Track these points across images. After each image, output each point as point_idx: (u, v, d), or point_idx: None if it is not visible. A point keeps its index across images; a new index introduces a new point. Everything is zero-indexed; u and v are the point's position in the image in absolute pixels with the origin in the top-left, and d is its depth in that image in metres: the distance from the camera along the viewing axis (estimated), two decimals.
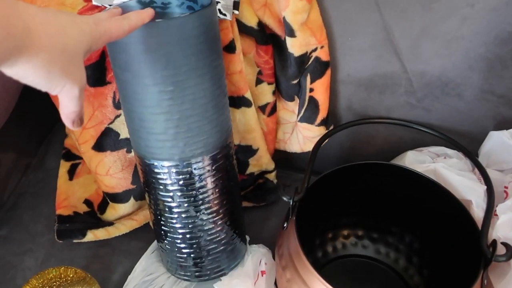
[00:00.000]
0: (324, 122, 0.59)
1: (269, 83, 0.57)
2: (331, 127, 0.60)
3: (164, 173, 0.47)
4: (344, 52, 0.56)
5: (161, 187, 0.49)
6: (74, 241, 0.58)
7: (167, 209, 0.50)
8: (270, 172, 0.63)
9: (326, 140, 0.58)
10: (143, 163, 0.48)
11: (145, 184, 0.51)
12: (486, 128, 0.56)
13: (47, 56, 0.27)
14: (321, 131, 0.59)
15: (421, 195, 0.54)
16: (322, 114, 0.58)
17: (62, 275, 0.56)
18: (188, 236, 0.51)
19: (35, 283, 0.55)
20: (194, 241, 0.52)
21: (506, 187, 0.50)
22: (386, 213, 0.60)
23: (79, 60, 0.29)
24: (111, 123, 0.55)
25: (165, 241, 0.54)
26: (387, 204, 0.58)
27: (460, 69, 0.54)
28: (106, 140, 0.56)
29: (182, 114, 0.44)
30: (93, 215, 0.61)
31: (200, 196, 0.49)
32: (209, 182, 0.49)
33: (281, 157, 0.66)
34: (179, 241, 0.52)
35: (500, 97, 0.54)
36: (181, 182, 0.48)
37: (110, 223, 0.59)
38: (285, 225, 0.50)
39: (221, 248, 0.54)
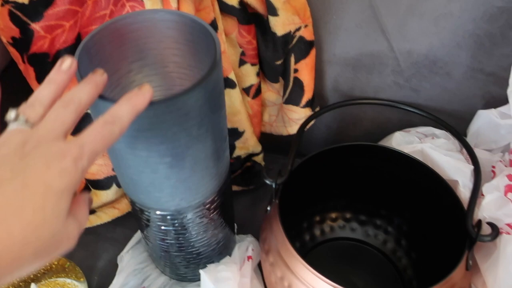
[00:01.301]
0: (309, 104, 0.57)
1: (252, 64, 0.55)
2: (317, 109, 0.59)
3: (157, 218, 0.45)
4: (329, 31, 0.54)
5: (154, 226, 0.46)
6: None
7: (158, 238, 0.49)
8: (257, 154, 0.62)
9: (312, 122, 0.56)
10: (132, 202, 0.45)
11: (135, 216, 0.49)
12: (475, 107, 0.55)
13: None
14: (306, 112, 0.58)
15: (408, 176, 0.53)
16: (307, 96, 0.56)
17: (46, 264, 0.55)
18: (177, 246, 0.50)
19: None
20: (183, 250, 0.50)
21: (493, 167, 0.49)
22: (374, 196, 0.59)
23: (62, 235, 0.22)
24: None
25: (150, 246, 0.53)
26: (375, 186, 0.57)
27: (448, 47, 0.52)
28: (85, 125, 0.54)
29: (180, 177, 0.39)
30: None
31: (196, 228, 0.47)
32: (206, 217, 0.47)
33: (268, 141, 0.64)
34: (166, 249, 0.51)
35: (489, 75, 0.53)
36: (176, 225, 0.45)
37: (92, 211, 0.58)
38: (268, 208, 0.49)
39: (213, 247, 0.53)
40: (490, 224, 0.42)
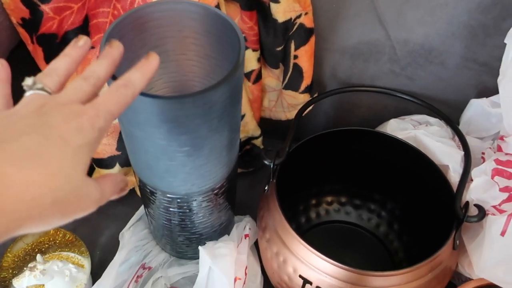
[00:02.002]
0: (308, 89, 0.59)
1: (253, 50, 0.57)
2: (316, 95, 0.61)
3: (166, 200, 0.46)
4: (329, 19, 0.56)
5: (161, 207, 0.48)
6: None
7: (163, 218, 0.50)
8: (257, 138, 0.64)
9: (310, 108, 0.58)
10: (143, 184, 0.47)
11: (142, 194, 0.51)
12: (468, 96, 0.57)
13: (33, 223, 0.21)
14: (305, 98, 0.59)
15: (401, 161, 0.55)
16: (306, 81, 0.58)
17: (51, 238, 0.57)
18: (181, 227, 0.52)
19: (23, 246, 0.56)
20: (187, 231, 0.52)
21: (483, 154, 0.51)
22: (369, 180, 0.61)
23: (81, 191, 0.23)
24: None
25: (154, 224, 0.55)
26: (370, 171, 0.59)
27: (443, 37, 0.54)
28: None
29: (195, 165, 0.41)
30: None
31: (202, 211, 0.49)
32: (213, 201, 0.48)
33: (267, 126, 0.66)
34: (169, 228, 0.53)
35: (483, 65, 0.55)
36: (184, 207, 0.47)
37: None
38: (266, 188, 0.51)
39: (215, 229, 0.55)
40: (477, 206, 0.44)
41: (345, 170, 0.60)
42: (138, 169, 0.45)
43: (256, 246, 0.56)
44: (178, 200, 0.46)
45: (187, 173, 0.42)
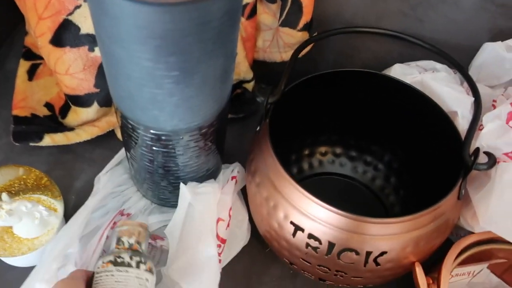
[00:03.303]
0: (307, 27, 0.54)
1: None
2: (315, 34, 0.55)
3: (150, 137, 0.41)
4: None
5: (144, 146, 0.43)
6: (31, 144, 0.54)
7: (145, 159, 0.46)
8: (249, 82, 0.59)
9: (309, 48, 0.53)
10: (124, 118, 0.41)
11: (123, 131, 0.45)
12: (481, 41, 0.52)
13: None
14: (303, 36, 0.54)
15: (405, 107, 0.51)
16: (305, 18, 0.53)
17: (22, 181, 0.53)
18: (164, 169, 0.47)
19: None
20: (170, 174, 0.48)
21: (494, 101, 0.47)
22: (368, 131, 0.57)
23: None
24: (70, 14, 0.49)
25: (135, 167, 0.50)
26: (370, 119, 0.55)
27: None
28: (65, 34, 0.50)
29: (184, 95, 0.36)
30: (54, 119, 0.57)
31: (189, 153, 0.45)
32: (201, 141, 0.44)
33: (260, 69, 0.61)
34: (152, 171, 0.48)
35: (500, 6, 0.50)
36: (169, 147, 0.42)
37: (71, 129, 0.55)
38: (258, 129, 0.46)
39: (201, 174, 0.50)
40: (487, 153, 0.40)
41: (343, 119, 0.56)
42: (118, 100, 0.40)
43: (244, 194, 0.52)
44: (163, 138, 0.41)
45: (175, 105, 0.37)
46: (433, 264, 0.45)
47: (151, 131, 0.41)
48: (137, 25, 0.30)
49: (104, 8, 0.30)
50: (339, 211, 0.38)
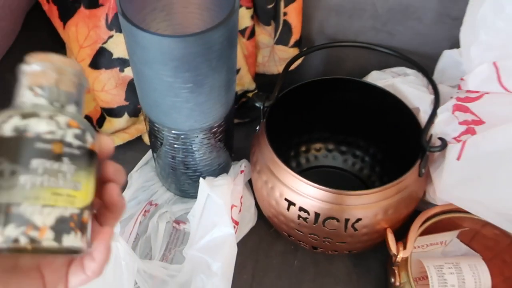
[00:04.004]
0: (297, 44, 0.65)
1: (247, 8, 0.62)
2: (304, 49, 0.66)
3: (172, 136, 0.53)
4: None
5: (167, 145, 0.55)
6: None
7: (169, 156, 0.57)
8: (252, 91, 0.70)
9: (300, 61, 0.65)
10: (151, 122, 0.53)
11: (150, 134, 0.57)
12: (442, 49, 0.62)
13: None
14: (295, 52, 0.65)
15: (380, 107, 0.61)
16: (295, 36, 0.64)
17: None
18: (184, 164, 0.58)
19: None
20: (189, 168, 0.59)
21: (451, 97, 0.57)
22: (353, 128, 0.68)
23: None
24: (104, 43, 0.62)
25: (160, 164, 0.62)
26: (353, 119, 0.66)
27: None
28: (101, 59, 0.62)
29: (197, 101, 0.47)
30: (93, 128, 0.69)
31: (203, 148, 0.56)
32: (213, 139, 0.55)
33: (261, 81, 0.72)
34: (174, 166, 0.60)
35: (455, 19, 0.60)
36: (187, 144, 0.54)
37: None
38: (257, 128, 0.57)
39: (214, 168, 0.62)
40: (440, 138, 0.50)
41: (332, 118, 0.67)
42: (147, 108, 0.52)
43: (250, 185, 0.63)
44: (182, 137, 0.53)
45: (190, 109, 0.48)
46: (404, 233, 0.55)
47: (173, 131, 0.52)
48: (161, 51, 0.41)
49: (138, 40, 0.42)
50: (321, 187, 0.48)
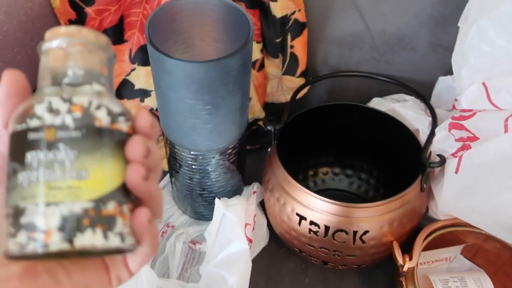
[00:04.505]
0: (303, 74, 0.70)
1: (257, 42, 0.69)
2: (310, 79, 0.72)
3: (191, 157, 0.57)
4: (318, 15, 0.68)
5: (186, 166, 0.59)
6: None
7: (187, 177, 0.61)
8: (262, 119, 0.75)
9: (306, 90, 0.70)
10: (171, 145, 0.57)
11: (170, 156, 0.61)
12: (437, 75, 0.68)
13: None
14: (301, 81, 0.71)
15: (382, 130, 0.65)
16: (301, 67, 0.70)
17: None
18: (200, 186, 0.63)
19: None
20: (205, 189, 0.63)
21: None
22: (357, 152, 0.72)
23: None
24: (127, 75, 0.67)
25: (178, 186, 0.66)
26: (357, 143, 0.70)
27: (413, 26, 0.65)
28: (124, 90, 0.68)
29: (215, 123, 0.52)
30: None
31: (219, 170, 0.60)
32: (227, 161, 0.60)
33: (270, 110, 0.78)
34: (191, 188, 0.64)
35: (447, 49, 0.66)
36: (205, 164, 0.58)
37: None
38: (268, 150, 0.62)
39: (228, 189, 0.66)
40: (439, 155, 0.55)
41: (337, 143, 0.71)
42: (169, 130, 0.57)
43: (261, 206, 0.67)
44: (200, 157, 0.57)
45: (209, 130, 0.53)
46: (409, 248, 0.58)
47: (192, 152, 0.57)
48: (184, 75, 0.47)
49: (165, 66, 0.47)
50: (330, 200, 0.52)
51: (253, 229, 0.62)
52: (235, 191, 0.68)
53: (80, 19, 0.64)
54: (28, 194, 0.21)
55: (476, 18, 0.49)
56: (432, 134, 0.57)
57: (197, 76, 0.46)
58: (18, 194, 0.22)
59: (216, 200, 0.61)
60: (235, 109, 0.52)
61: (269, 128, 0.59)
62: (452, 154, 0.54)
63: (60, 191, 0.21)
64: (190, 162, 0.59)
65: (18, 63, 0.63)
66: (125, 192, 0.23)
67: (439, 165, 0.54)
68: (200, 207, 0.68)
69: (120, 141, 0.23)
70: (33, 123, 0.22)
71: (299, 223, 0.55)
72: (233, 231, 0.59)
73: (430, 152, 0.55)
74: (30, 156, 0.22)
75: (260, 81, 0.73)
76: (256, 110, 0.74)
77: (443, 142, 0.54)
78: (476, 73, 0.51)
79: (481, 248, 0.61)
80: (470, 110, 0.53)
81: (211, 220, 0.67)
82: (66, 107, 0.22)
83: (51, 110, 0.22)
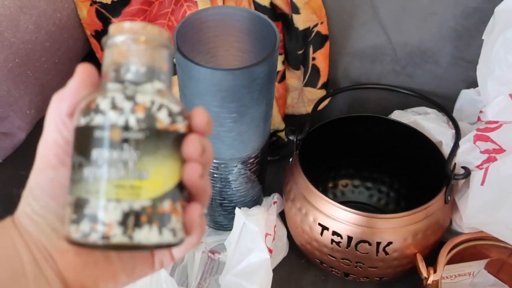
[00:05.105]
0: (324, 86, 0.71)
1: (279, 54, 0.69)
2: (331, 91, 0.72)
3: (213, 166, 0.57)
4: (340, 28, 0.69)
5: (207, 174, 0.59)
6: None
7: None
8: (281, 131, 0.76)
9: (327, 102, 0.70)
10: None
11: None
12: (459, 89, 0.68)
13: None
14: (322, 93, 0.71)
15: (404, 143, 0.65)
16: (322, 79, 0.70)
17: None
18: (220, 195, 0.63)
19: None
20: (225, 198, 0.63)
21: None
22: (378, 165, 0.71)
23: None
24: None
25: None
26: (378, 156, 0.70)
27: (435, 40, 0.66)
28: None
29: (239, 131, 0.52)
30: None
31: (240, 179, 0.60)
32: (249, 170, 0.60)
33: (290, 121, 0.78)
34: (211, 197, 0.64)
35: (469, 62, 0.66)
36: (226, 173, 0.58)
37: None
38: (290, 160, 0.62)
39: (248, 199, 0.66)
40: (464, 167, 0.54)
41: (357, 155, 0.71)
42: None
43: (281, 217, 0.66)
44: (222, 166, 0.57)
45: (233, 139, 0.53)
46: (432, 262, 0.57)
47: (215, 160, 0.57)
48: (211, 83, 0.47)
49: (192, 74, 0.48)
50: (353, 210, 0.52)
51: (274, 239, 0.61)
52: (254, 202, 0.68)
53: (106, 30, 0.66)
54: (93, 188, 0.23)
55: (503, 29, 0.49)
56: (456, 146, 0.57)
57: (223, 84, 0.47)
58: (83, 187, 0.23)
59: (237, 209, 0.61)
60: (259, 118, 0.53)
61: (291, 138, 0.59)
62: (477, 166, 0.53)
63: (122, 190, 0.22)
64: (212, 171, 0.59)
65: (45, 71, 0.64)
66: (180, 190, 0.24)
67: (464, 177, 0.53)
68: (219, 217, 0.68)
69: (177, 140, 0.24)
70: (97, 118, 0.23)
71: (321, 234, 0.55)
72: (253, 241, 0.59)
73: (455, 164, 0.54)
74: (95, 153, 0.23)
75: (281, 93, 0.74)
76: (276, 121, 0.75)
77: (467, 154, 0.53)
78: (502, 85, 0.51)
79: (505, 264, 0.60)
80: (496, 122, 0.53)
81: (230, 230, 0.67)
82: (130, 106, 0.23)
83: (115, 106, 0.23)
